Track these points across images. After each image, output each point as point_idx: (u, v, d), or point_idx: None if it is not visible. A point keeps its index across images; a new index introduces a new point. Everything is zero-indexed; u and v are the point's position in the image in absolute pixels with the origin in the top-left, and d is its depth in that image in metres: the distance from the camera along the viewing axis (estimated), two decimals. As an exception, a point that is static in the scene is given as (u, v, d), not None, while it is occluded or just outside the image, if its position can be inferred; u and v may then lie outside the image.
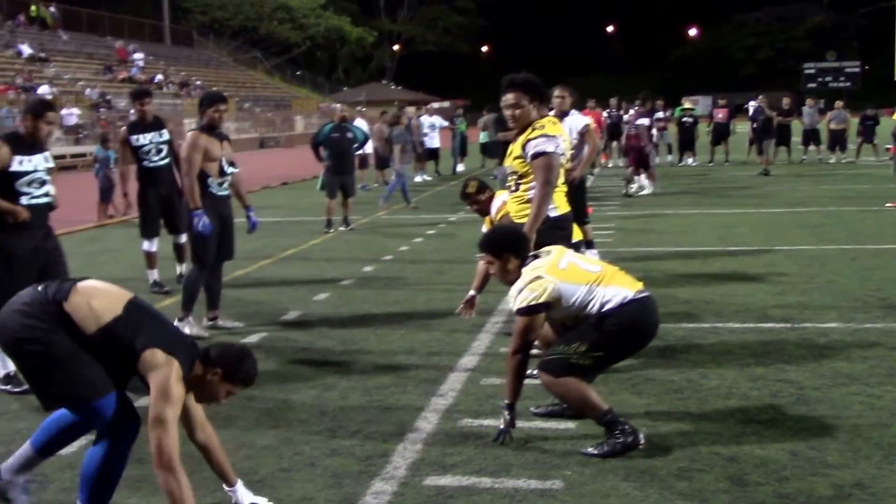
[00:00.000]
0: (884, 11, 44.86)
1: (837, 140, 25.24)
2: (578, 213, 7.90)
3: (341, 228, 13.75)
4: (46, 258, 6.03)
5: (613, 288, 4.61)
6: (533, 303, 4.56)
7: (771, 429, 4.82)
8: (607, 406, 4.60)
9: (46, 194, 6.10)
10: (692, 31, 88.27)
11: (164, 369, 3.53)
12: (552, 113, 9.16)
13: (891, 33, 36.10)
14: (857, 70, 69.69)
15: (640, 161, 18.19)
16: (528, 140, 5.66)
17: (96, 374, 3.63)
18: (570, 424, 4.95)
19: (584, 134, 9.20)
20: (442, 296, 8.50)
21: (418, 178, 22.82)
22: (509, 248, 4.82)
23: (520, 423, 4.94)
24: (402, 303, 8.37)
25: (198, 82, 48.86)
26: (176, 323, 6.19)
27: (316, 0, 70.06)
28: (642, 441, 4.52)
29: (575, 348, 4.56)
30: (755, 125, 23.44)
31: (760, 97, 24.72)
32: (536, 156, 5.62)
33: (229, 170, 7.25)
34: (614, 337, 4.57)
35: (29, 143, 6.02)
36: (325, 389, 5.74)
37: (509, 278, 4.77)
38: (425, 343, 6.88)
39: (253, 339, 7.10)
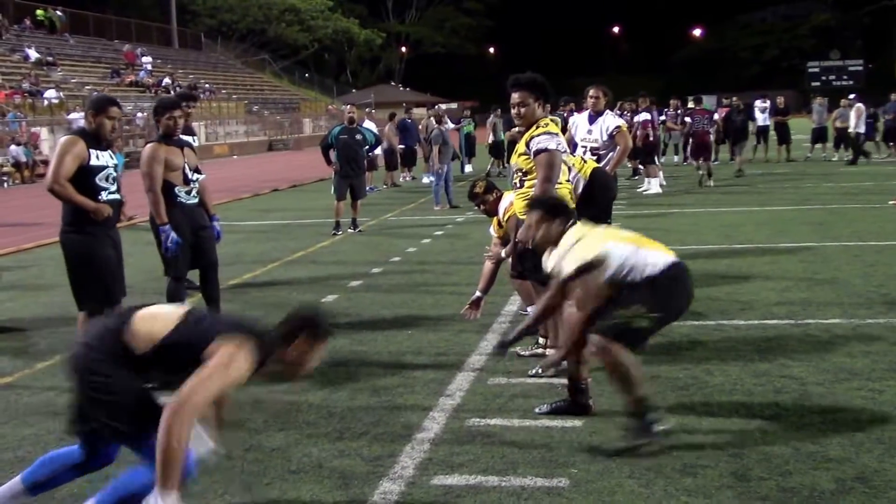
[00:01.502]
0: (888, 10, 44.91)
1: (842, 138, 25.30)
2: (603, 212, 8.01)
3: (350, 230, 13.83)
4: (118, 257, 6.15)
5: (656, 252, 4.81)
6: (587, 260, 4.69)
7: (774, 424, 4.89)
8: (643, 392, 4.65)
9: (118, 190, 6.16)
10: (697, 32, 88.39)
11: (230, 346, 3.52)
12: (586, 112, 9.31)
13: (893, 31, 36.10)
14: (860, 68, 69.85)
15: (647, 157, 18.72)
16: (532, 137, 5.81)
17: (151, 413, 3.57)
18: (576, 422, 5.02)
19: (615, 135, 9.24)
20: (450, 297, 8.56)
21: (425, 180, 22.92)
22: (562, 211, 5.03)
23: (525, 422, 5.04)
24: (410, 304, 8.44)
25: (206, 85, 49.04)
26: None
27: (324, 2, 70.23)
28: (655, 435, 4.59)
29: (634, 311, 4.63)
30: (733, 125, 23.24)
31: (735, 98, 24.98)
32: (539, 152, 5.75)
33: (194, 177, 7.04)
34: (668, 297, 4.72)
35: (96, 139, 6.04)
36: (334, 391, 5.81)
37: (549, 238, 4.96)
38: (433, 343, 6.96)
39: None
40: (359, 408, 5.46)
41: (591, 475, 4.32)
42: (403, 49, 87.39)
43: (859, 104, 24.43)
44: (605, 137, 9.12)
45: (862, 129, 24.07)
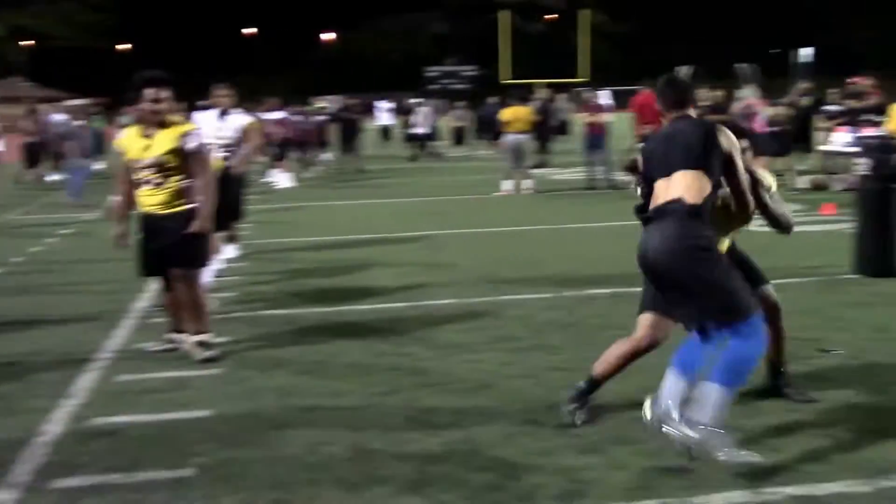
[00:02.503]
0: (495, 22, 49.54)
1: (459, 136, 27.38)
2: (233, 210, 8.04)
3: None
4: None
5: None
6: None
7: (391, 398, 5.25)
8: None
9: None
10: (329, 36, 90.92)
11: None
12: (216, 110, 9.27)
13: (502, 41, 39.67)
14: (473, 73, 76.27)
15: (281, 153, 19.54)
16: (185, 133, 5.95)
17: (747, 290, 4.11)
18: (204, 412, 5.07)
19: (245, 132, 9.30)
20: (75, 297, 8.26)
21: (54, 177, 21.52)
22: None
23: (153, 417, 5.02)
24: (33, 305, 8.00)
25: None
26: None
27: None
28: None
29: None
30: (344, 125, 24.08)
31: (344, 98, 26.32)
32: (198, 149, 5.95)
33: None
34: None
35: None
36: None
37: None
38: (57, 344, 6.66)
39: None
40: (-32, 418, 5.12)
41: (217, 462, 4.39)
42: (26, 43, 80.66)
43: (426, 108, 26.34)
44: (234, 135, 9.18)
45: (427, 130, 26.02)
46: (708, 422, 4.00)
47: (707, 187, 4.24)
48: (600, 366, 4.79)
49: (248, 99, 26.97)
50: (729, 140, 4.34)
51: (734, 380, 4.07)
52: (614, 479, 4.06)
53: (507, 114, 16.54)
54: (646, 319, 4.68)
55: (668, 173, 4.33)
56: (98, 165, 24.65)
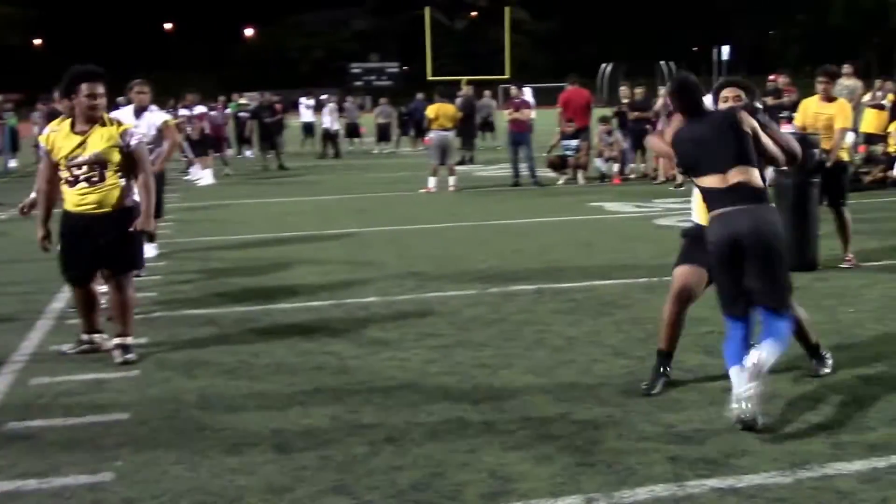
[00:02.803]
0: (419, 18, 49.44)
1: (383, 133, 27.37)
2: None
3: None
4: None
5: None
6: None
7: (314, 397, 5.20)
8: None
9: None
10: (249, 32, 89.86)
11: None
12: (132, 107, 9.08)
13: (425, 38, 39.65)
14: (396, 70, 76.26)
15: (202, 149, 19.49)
16: (125, 131, 5.95)
17: None
18: (122, 415, 4.96)
19: (162, 130, 9.16)
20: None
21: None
22: None
23: (69, 420, 4.90)
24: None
25: None
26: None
27: None
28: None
29: None
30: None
31: (260, 95, 26.24)
32: (138, 147, 6.01)
33: None
34: None
35: None
36: None
37: None
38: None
39: None
40: None
41: (136, 466, 4.29)
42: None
43: (331, 104, 26.29)
44: (152, 132, 9.03)
45: (337, 126, 25.97)
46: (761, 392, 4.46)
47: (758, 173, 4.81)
48: (661, 341, 5.29)
49: (168, 95, 26.63)
50: (748, 121, 4.83)
51: (775, 357, 4.66)
52: (540, 474, 4.07)
53: (432, 111, 16.54)
54: (682, 270, 5.21)
55: (722, 169, 4.74)
56: (12, 163, 24.02)
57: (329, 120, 25.57)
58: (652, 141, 5.66)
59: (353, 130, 27.95)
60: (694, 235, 5.24)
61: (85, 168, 5.84)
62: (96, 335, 6.20)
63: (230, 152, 24.14)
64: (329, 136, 25.75)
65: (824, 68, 8.87)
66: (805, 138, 7.48)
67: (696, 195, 5.18)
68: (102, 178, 5.87)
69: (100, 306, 6.34)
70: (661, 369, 5.20)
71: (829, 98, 8.68)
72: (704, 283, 5.16)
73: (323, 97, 27.02)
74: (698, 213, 5.25)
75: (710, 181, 4.78)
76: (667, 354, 5.24)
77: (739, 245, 4.65)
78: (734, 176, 4.70)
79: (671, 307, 5.19)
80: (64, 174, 5.91)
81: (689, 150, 4.92)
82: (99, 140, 5.84)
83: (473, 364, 5.74)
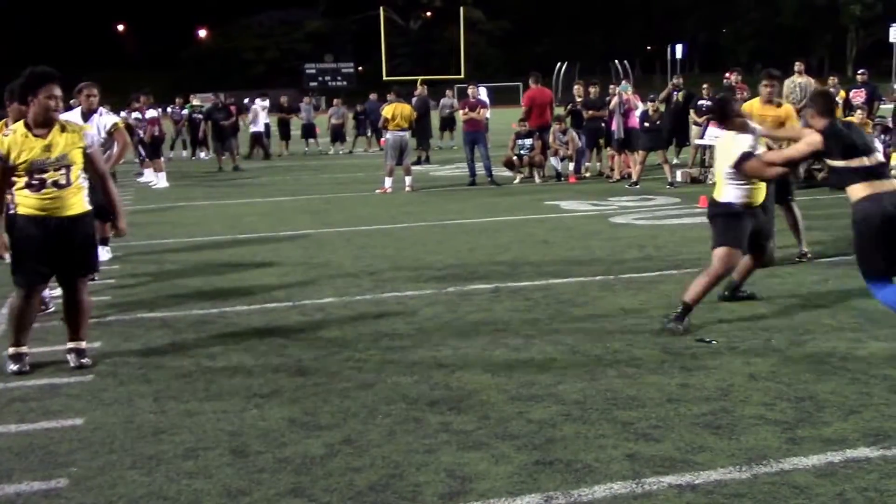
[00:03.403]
0: (372, 19, 49.13)
1: (337, 134, 27.26)
2: (103, 211, 7.72)
3: None
4: None
5: None
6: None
7: (272, 401, 5.16)
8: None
9: None
10: (202, 32, 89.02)
11: None
12: (80, 110, 8.94)
13: (380, 38, 39.60)
14: (351, 70, 76.17)
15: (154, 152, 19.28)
16: (86, 132, 5.97)
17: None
18: (76, 420, 4.89)
19: (112, 133, 9.03)
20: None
21: None
22: None
23: (23, 427, 4.82)
24: None
25: None
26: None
27: None
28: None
29: None
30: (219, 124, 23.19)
31: (213, 96, 26.05)
32: (93, 149, 5.96)
33: None
34: None
35: None
36: None
37: None
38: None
39: None
40: None
41: (91, 472, 4.24)
42: None
43: (259, 103, 26.13)
44: (102, 135, 8.91)
45: (261, 129, 25.75)
46: None
47: None
48: (688, 294, 6.40)
49: (120, 95, 26.32)
50: None
51: None
52: (499, 474, 4.08)
53: (389, 111, 16.50)
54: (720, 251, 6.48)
55: (871, 153, 5.90)
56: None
57: (257, 120, 25.47)
58: (752, 164, 6.41)
59: (308, 131, 27.81)
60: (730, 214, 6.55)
61: (51, 171, 5.73)
62: (24, 347, 6.00)
63: (201, 154, 23.99)
64: (256, 138, 25.61)
65: (768, 71, 8.96)
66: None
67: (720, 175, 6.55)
68: (69, 181, 5.77)
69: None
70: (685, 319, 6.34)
71: (773, 101, 8.76)
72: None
73: (257, 99, 26.73)
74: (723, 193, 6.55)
75: (868, 160, 5.86)
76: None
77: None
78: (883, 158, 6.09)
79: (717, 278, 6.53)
80: (23, 179, 5.76)
81: (841, 135, 5.95)
82: (64, 142, 5.74)
83: (431, 364, 5.74)
